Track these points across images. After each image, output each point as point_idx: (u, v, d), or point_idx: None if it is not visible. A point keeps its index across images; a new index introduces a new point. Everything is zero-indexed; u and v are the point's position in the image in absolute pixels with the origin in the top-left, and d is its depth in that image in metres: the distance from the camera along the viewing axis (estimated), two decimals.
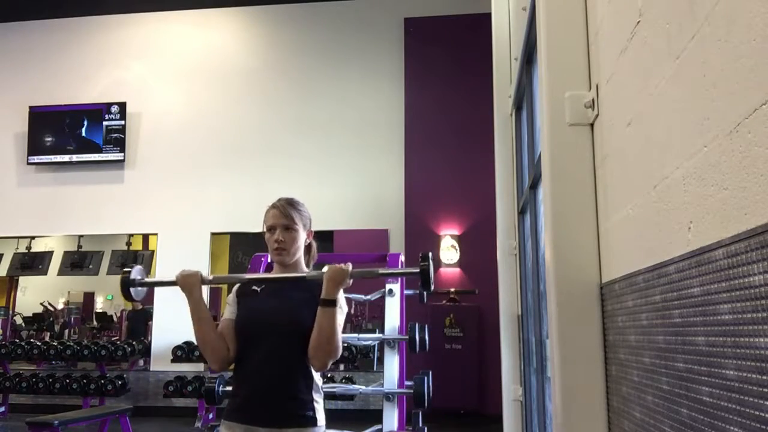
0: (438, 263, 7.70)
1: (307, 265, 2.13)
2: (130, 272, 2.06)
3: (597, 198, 1.78)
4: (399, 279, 4.33)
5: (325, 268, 1.87)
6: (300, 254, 2.06)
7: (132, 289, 2.05)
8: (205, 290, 7.98)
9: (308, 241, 2.11)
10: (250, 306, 1.99)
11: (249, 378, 1.92)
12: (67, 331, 11.89)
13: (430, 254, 2.05)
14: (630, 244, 1.47)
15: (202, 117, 8.45)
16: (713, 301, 0.98)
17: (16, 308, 11.83)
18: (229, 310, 2.02)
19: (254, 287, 2.04)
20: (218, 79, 8.53)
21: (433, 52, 8.11)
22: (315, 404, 1.91)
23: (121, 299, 13.87)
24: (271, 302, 1.98)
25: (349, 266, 1.87)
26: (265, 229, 2.05)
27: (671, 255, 1.17)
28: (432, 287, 2.02)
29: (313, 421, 1.89)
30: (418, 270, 1.99)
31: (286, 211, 2.02)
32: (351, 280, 1.88)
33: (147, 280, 2.13)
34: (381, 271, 2.08)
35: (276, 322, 1.92)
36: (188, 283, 1.95)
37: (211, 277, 2.02)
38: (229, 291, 2.12)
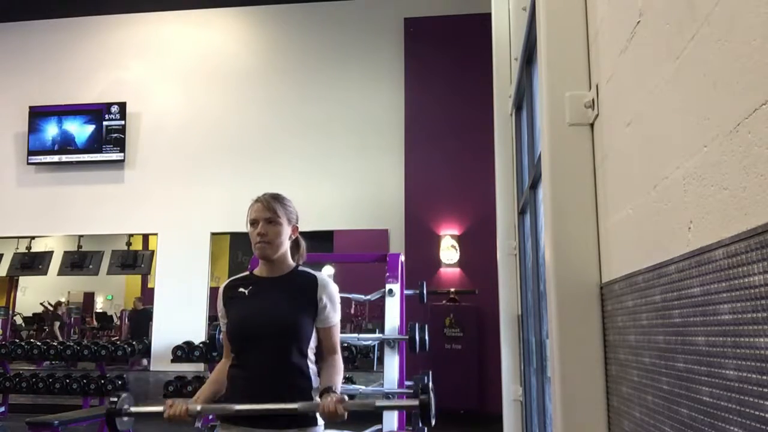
0: (438, 263, 7.70)
1: (296, 263, 2.05)
2: (116, 402, 1.89)
3: (597, 198, 1.78)
4: (399, 279, 4.33)
5: (320, 405, 1.76)
6: (284, 250, 1.99)
7: (117, 420, 1.89)
8: (205, 291, 7.99)
9: (293, 237, 2.02)
10: (238, 311, 1.95)
11: (245, 381, 1.89)
12: (65, 329, 11.88)
13: (431, 385, 1.88)
14: (630, 244, 1.47)
15: (202, 117, 8.45)
16: (713, 301, 0.98)
17: (16, 308, 11.84)
18: (222, 323, 2.00)
19: (241, 289, 1.99)
20: (218, 79, 8.53)
21: (433, 52, 8.11)
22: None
23: (121, 299, 13.90)
24: (259, 305, 1.93)
25: (345, 402, 1.76)
26: (248, 225, 1.98)
27: (671, 255, 1.17)
28: (433, 422, 1.84)
29: (314, 421, 1.87)
30: (417, 403, 1.84)
31: (269, 204, 1.96)
32: (346, 414, 1.77)
33: (134, 410, 1.94)
34: (378, 404, 1.96)
35: (266, 325, 1.89)
36: (179, 420, 1.81)
37: (199, 408, 1.84)
38: (223, 294, 2.05)
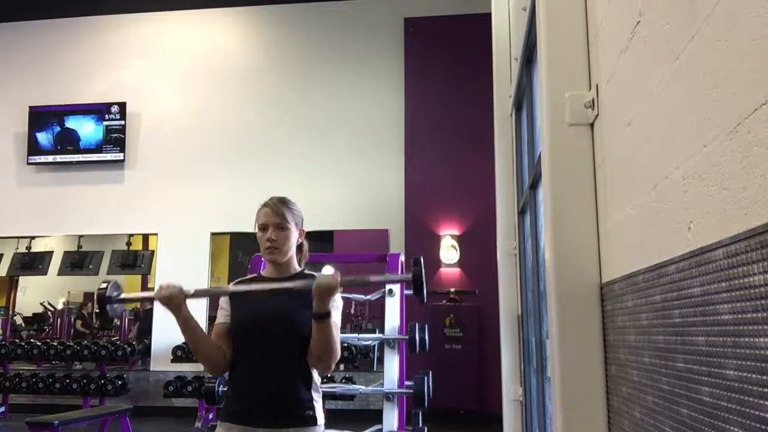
0: (438, 263, 7.71)
1: (299, 264, 2.10)
2: (106, 288, 1.90)
3: (597, 198, 1.78)
4: None
5: (315, 281, 1.79)
6: (292, 253, 2.04)
7: (108, 306, 1.90)
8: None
9: (300, 241, 2.08)
10: (244, 310, 1.96)
11: (246, 380, 1.91)
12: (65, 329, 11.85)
13: (422, 259, 1.97)
14: (630, 244, 1.47)
15: (202, 117, 8.45)
16: (713, 301, 0.98)
17: (16, 308, 11.84)
18: (222, 314, 2.00)
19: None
20: (218, 79, 8.53)
21: (433, 52, 8.12)
22: (314, 403, 1.90)
23: None
24: (265, 305, 1.95)
25: (338, 276, 1.80)
26: (257, 228, 2.02)
27: (671, 255, 1.18)
28: (425, 296, 1.93)
29: (313, 421, 1.88)
30: (410, 276, 1.91)
31: (278, 209, 1.99)
32: (341, 289, 1.82)
33: (124, 296, 1.96)
34: (371, 278, 1.98)
35: (272, 323, 1.91)
36: (170, 301, 1.81)
37: (192, 291, 1.86)
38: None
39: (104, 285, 1.91)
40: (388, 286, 4.27)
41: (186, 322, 1.85)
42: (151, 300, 1.84)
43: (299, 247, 2.10)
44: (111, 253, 9.00)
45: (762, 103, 0.82)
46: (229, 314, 1.98)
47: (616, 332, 1.60)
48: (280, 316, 1.92)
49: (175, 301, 1.81)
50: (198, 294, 1.88)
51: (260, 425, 1.84)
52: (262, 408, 1.85)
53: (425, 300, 1.98)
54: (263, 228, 1.99)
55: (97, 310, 1.92)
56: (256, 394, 1.88)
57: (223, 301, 2.03)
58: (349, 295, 4.85)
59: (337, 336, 1.89)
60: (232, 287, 1.93)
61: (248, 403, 1.87)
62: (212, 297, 1.97)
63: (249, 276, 2.14)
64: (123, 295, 1.95)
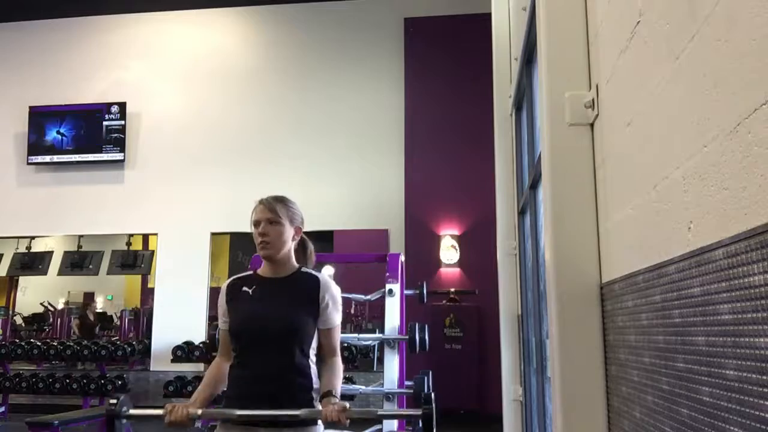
0: (438, 263, 7.71)
1: (306, 265, 2.08)
2: (116, 404, 1.89)
3: (597, 198, 1.78)
4: (399, 279, 4.33)
5: (322, 413, 1.78)
6: (287, 250, 2.00)
7: (117, 422, 1.88)
8: (205, 291, 7.98)
9: (297, 239, 2.04)
10: (242, 311, 1.96)
11: (246, 381, 1.90)
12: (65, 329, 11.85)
13: (433, 396, 1.90)
14: (630, 244, 1.47)
15: (202, 117, 8.45)
16: (713, 301, 0.98)
17: (16, 308, 11.83)
18: (222, 320, 2.00)
19: (244, 288, 2.00)
20: (218, 79, 8.53)
21: (433, 52, 8.12)
22: (314, 403, 1.90)
23: (122, 299, 13.90)
24: (262, 305, 1.94)
25: (347, 410, 1.75)
26: (251, 226, 2.01)
27: (671, 255, 1.17)
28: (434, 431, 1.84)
29: (313, 421, 1.88)
30: (420, 413, 1.84)
31: (271, 205, 1.98)
32: (348, 422, 1.78)
33: (133, 412, 1.93)
34: (380, 413, 1.96)
35: (270, 325, 1.90)
36: (178, 423, 1.80)
37: (200, 412, 1.84)
38: (226, 291, 2.05)
39: (114, 401, 1.90)
40: (388, 286, 4.27)
41: (207, 412, 1.88)
42: (160, 418, 1.82)
43: (303, 248, 2.09)
44: (111, 253, 9.00)
45: (762, 103, 0.82)
46: (227, 318, 1.98)
47: (616, 332, 1.60)
48: (278, 317, 1.91)
49: (185, 426, 1.81)
50: (206, 414, 1.87)
51: (261, 425, 1.84)
52: (261, 408, 1.84)
53: None
54: (256, 224, 1.98)
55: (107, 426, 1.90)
56: (256, 394, 1.87)
57: (221, 304, 2.02)
58: (349, 295, 4.85)
59: (338, 339, 1.89)
60: (238, 411, 1.84)
61: (248, 404, 1.86)
62: (218, 418, 1.94)
63: (245, 274, 2.10)
64: (132, 412, 1.93)
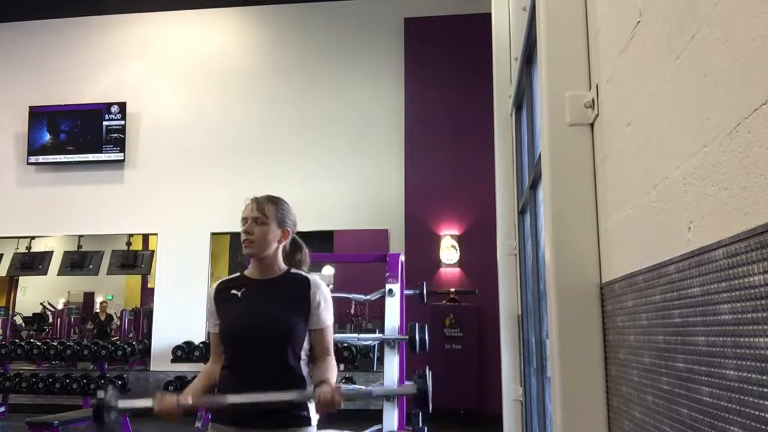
0: (438, 263, 7.70)
1: (298, 268, 2.04)
2: (105, 395, 1.81)
3: (597, 198, 1.78)
4: (399, 279, 4.33)
5: (316, 394, 1.75)
6: (272, 251, 1.96)
7: (105, 415, 1.82)
8: (205, 291, 7.98)
9: (284, 242, 2.00)
10: (232, 312, 1.93)
11: (239, 382, 1.87)
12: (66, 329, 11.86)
13: (428, 371, 1.90)
14: (630, 244, 1.47)
15: (202, 117, 8.45)
16: (713, 301, 0.98)
17: (16, 308, 11.83)
18: (211, 323, 1.97)
19: (233, 291, 1.97)
20: (218, 79, 8.53)
21: (433, 52, 8.11)
22: (308, 404, 1.88)
23: (122, 299, 13.90)
24: (252, 307, 1.92)
25: (342, 390, 1.76)
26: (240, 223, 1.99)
27: (671, 255, 1.17)
28: (430, 407, 1.85)
29: (307, 421, 1.86)
30: (415, 389, 1.86)
31: (261, 204, 1.96)
32: (342, 403, 1.76)
33: (121, 405, 1.87)
34: (375, 392, 1.96)
35: (262, 327, 1.88)
36: (166, 413, 1.76)
37: (190, 401, 1.79)
38: (214, 295, 2.02)
39: (102, 393, 1.85)
40: (388, 286, 4.27)
41: (197, 400, 1.84)
42: (149, 410, 1.77)
43: (296, 250, 2.06)
44: (111, 253, 9.00)
45: (762, 103, 0.82)
46: (217, 321, 1.96)
47: (616, 332, 1.60)
48: (269, 318, 1.89)
49: (175, 416, 1.76)
50: (196, 402, 1.83)
51: (254, 427, 1.82)
52: (255, 409, 1.81)
53: (430, 410, 1.91)
54: (243, 221, 1.97)
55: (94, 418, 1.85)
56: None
57: (210, 307, 2.00)
58: (349, 295, 4.85)
59: (330, 339, 1.88)
60: (230, 398, 1.81)
61: (240, 407, 1.82)
62: (208, 405, 1.90)
63: (233, 276, 2.07)
64: (120, 405, 1.87)
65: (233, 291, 1.97)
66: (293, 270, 2.03)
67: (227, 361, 1.92)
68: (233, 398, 1.80)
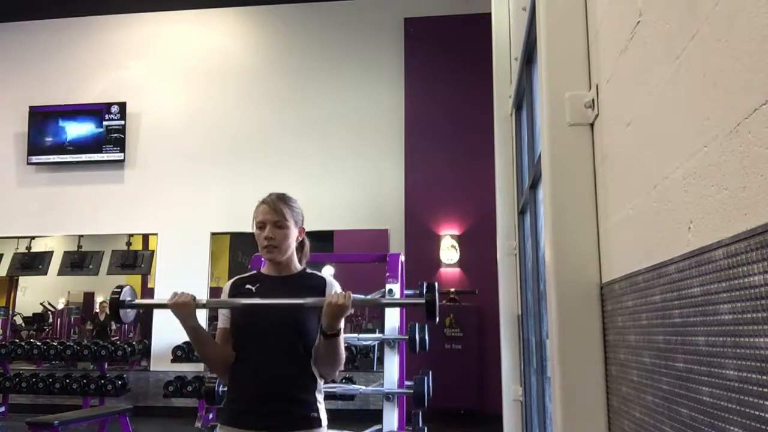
0: (438, 263, 7.71)
1: (300, 263, 2.05)
2: (119, 293, 1.93)
3: (597, 198, 1.78)
4: (399, 279, 4.34)
5: (326, 300, 1.79)
6: (291, 252, 1.98)
7: (121, 311, 1.93)
8: (205, 291, 7.97)
9: (300, 239, 2.02)
10: (246, 309, 1.93)
11: (250, 382, 1.87)
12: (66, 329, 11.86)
13: (436, 284, 1.94)
14: (630, 244, 1.47)
15: (202, 117, 8.46)
16: (713, 301, 0.98)
17: (16, 308, 11.83)
18: (222, 318, 1.97)
19: (248, 286, 1.98)
20: (218, 79, 8.53)
21: (433, 52, 8.12)
22: (318, 405, 1.88)
23: None
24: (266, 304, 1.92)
25: (350, 296, 1.78)
26: (254, 226, 1.97)
27: (671, 255, 1.17)
28: (437, 319, 1.93)
29: (318, 422, 1.86)
30: (423, 301, 1.90)
31: (276, 206, 1.94)
32: (352, 310, 1.80)
33: (137, 301, 1.99)
34: (384, 301, 2.00)
35: (275, 323, 1.87)
36: (182, 311, 1.82)
37: (204, 302, 1.90)
38: (229, 290, 2.06)
39: (118, 290, 1.93)
40: (388, 286, 4.27)
41: (196, 330, 1.86)
42: (164, 306, 1.84)
43: (300, 246, 2.06)
44: (111, 253, 9.00)
45: (762, 103, 0.82)
46: (230, 316, 1.96)
47: (616, 332, 1.60)
48: (284, 315, 1.89)
49: (188, 309, 1.81)
50: (210, 304, 1.89)
51: (266, 429, 1.81)
52: (267, 411, 1.81)
53: (437, 321, 1.96)
54: (261, 226, 1.94)
55: (110, 313, 1.95)
56: (259, 396, 1.84)
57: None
58: None
59: (342, 345, 1.87)
60: (243, 300, 1.89)
61: (252, 406, 1.84)
62: (223, 308, 1.96)
63: (249, 273, 2.09)
64: (136, 301, 1.97)
65: (248, 286, 1.98)
66: (309, 270, 2.05)
67: (239, 354, 1.91)
68: (247, 301, 1.88)
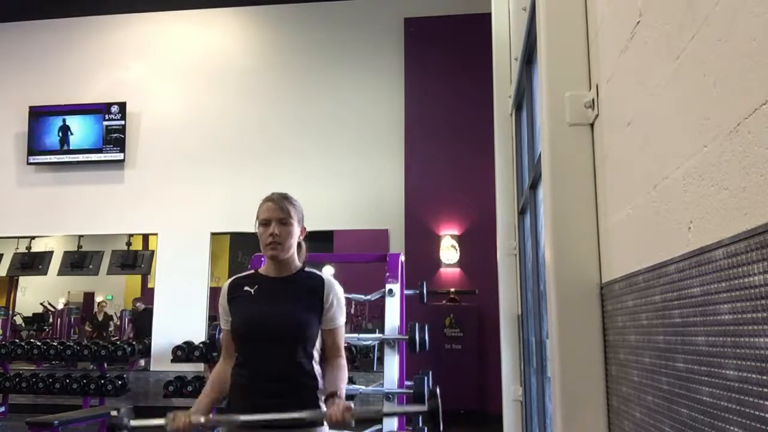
0: (438, 263, 7.71)
1: (298, 262, 2.05)
2: (117, 416, 1.90)
3: (597, 198, 1.78)
4: (399, 279, 4.34)
5: (326, 413, 1.76)
6: (294, 250, 1.99)
7: None
8: (205, 291, 7.98)
9: (302, 237, 2.03)
10: (245, 311, 1.93)
11: (251, 383, 1.88)
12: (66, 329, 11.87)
13: (438, 391, 1.92)
14: (630, 244, 1.47)
15: (202, 117, 8.45)
16: (713, 301, 0.98)
17: (16, 308, 11.83)
18: (223, 321, 1.97)
19: (246, 287, 1.97)
20: (218, 79, 8.53)
21: (433, 52, 8.11)
22: (320, 404, 1.88)
23: (122, 299, 13.91)
24: (266, 306, 1.92)
25: (350, 411, 1.74)
26: (257, 224, 1.97)
27: (671, 255, 1.17)
28: (441, 427, 1.86)
29: (318, 422, 1.86)
30: (426, 408, 1.85)
31: (281, 204, 1.95)
32: (353, 422, 1.77)
33: (134, 423, 1.93)
34: (386, 410, 1.97)
35: (274, 326, 1.88)
36: (180, 431, 1.80)
37: (202, 419, 1.84)
38: (228, 290, 2.04)
39: (116, 413, 1.92)
40: (388, 287, 4.27)
41: (205, 415, 1.86)
42: (162, 428, 1.83)
43: (298, 246, 2.06)
44: (111, 253, 9.00)
45: (762, 103, 0.82)
46: (230, 318, 1.96)
47: (616, 332, 1.60)
48: (282, 315, 1.90)
49: (188, 428, 1.80)
50: (207, 423, 1.86)
51: (269, 429, 1.81)
52: (267, 410, 1.81)
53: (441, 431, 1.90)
54: (265, 223, 1.94)
55: None
56: (261, 396, 1.85)
57: (222, 304, 2.00)
58: (349, 295, 4.84)
59: (342, 339, 1.88)
60: (243, 417, 1.83)
61: (254, 407, 1.84)
62: (223, 422, 1.94)
63: (246, 273, 2.08)
64: (133, 423, 1.94)
65: (246, 288, 1.98)
66: (307, 269, 2.04)
67: (239, 359, 1.92)
68: (245, 417, 1.82)
